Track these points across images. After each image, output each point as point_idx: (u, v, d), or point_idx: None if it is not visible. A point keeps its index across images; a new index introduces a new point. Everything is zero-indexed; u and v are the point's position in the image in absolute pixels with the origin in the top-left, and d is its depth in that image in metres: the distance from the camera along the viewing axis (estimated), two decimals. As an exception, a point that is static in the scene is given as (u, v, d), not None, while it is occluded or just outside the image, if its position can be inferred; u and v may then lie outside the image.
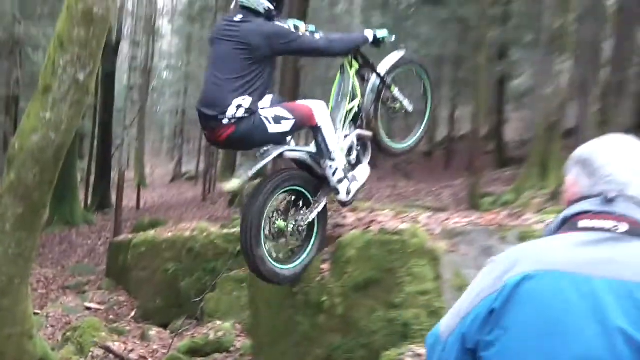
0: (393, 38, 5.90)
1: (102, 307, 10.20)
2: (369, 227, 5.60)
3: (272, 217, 5.27)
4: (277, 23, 5.26)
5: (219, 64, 5.19)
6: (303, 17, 20.92)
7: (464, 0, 25.35)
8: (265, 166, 5.67)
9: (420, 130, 6.80)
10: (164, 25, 41.46)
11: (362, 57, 5.90)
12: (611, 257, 1.70)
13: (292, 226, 5.27)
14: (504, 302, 1.69)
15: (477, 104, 17.68)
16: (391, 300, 5.08)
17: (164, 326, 8.60)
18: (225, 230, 9.61)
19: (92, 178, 26.35)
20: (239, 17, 5.15)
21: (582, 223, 1.81)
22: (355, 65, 5.88)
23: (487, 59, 19.32)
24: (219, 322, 7.37)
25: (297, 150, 5.57)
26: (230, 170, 28.52)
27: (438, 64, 31.57)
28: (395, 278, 5.16)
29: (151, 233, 10.35)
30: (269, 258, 5.15)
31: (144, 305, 9.60)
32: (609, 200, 1.80)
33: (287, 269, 5.31)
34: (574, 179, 1.95)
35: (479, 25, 18.73)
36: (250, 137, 5.18)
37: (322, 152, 5.42)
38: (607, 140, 1.95)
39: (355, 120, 5.92)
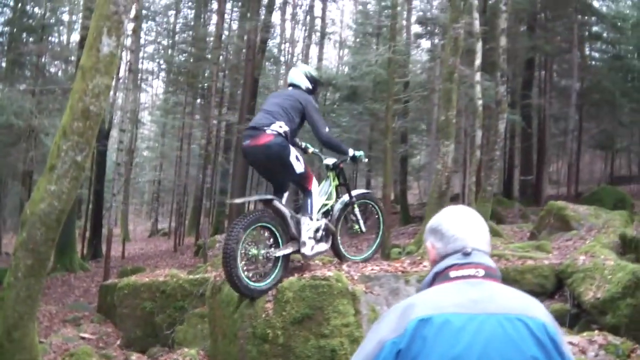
0: (366, 160, 6.67)
1: (94, 337, 10.12)
2: (303, 274, 5.77)
3: (248, 245, 5.58)
4: (312, 97, 6.28)
5: (271, 103, 6.10)
6: (254, 94, 21.49)
7: (374, 98, 26.83)
8: (247, 204, 6.49)
9: (372, 249, 7.27)
10: (145, 116, 42.47)
11: (344, 177, 6.63)
12: (481, 296, 1.81)
13: (263, 254, 5.59)
14: (409, 343, 1.74)
15: (386, 176, 18.45)
16: (321, 332, 5.32)
17: (143, 352, 8.59)
18: (191, 276, 9.75)
19: (87, 233, 26.45)
20: (290, 89, 6.32)
21: (453, 273, 1.92)
22: (336, 181, 6.62)
23: (392, 143, 20.25)
24: (186, 349, 7.43)
25: (284, 206, 5.89)
26: (195, 228, 29.55)
27: (356, 146, 32.80)
28: (324, 314, 5.40)
29: (132, 278, 10.32)
30: (244, 276, 5.43)
31: (127, 335, 9.58)
32: (467, 254, 1.95)
33: (259, 286, 5.53)
34: (430, 244, 2.08)
35: (385, 117, 19.70)
36: (276, 154, 5.78)
37: (306, 210, 5.99)
38: (447, 211, 2.12)
39: (326, 214, 6.40)
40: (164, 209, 46.10)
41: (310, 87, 6.35)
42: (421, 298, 1.88)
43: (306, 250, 5.93)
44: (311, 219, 6.03)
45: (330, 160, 6.66)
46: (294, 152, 5.92)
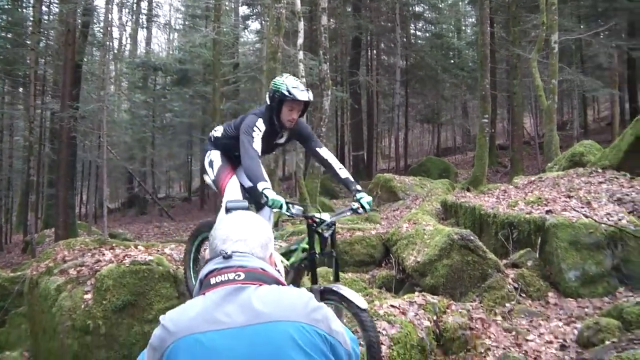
0: (287, 213, 4.42)
1: None
2: (122, 260, 5.63)
3: (199, 250, 5.36)
4: (260, 113, 5.01)
5: None
6: (77, 80, 20.34)
7: (205, 81, 26.55)
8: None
9: None
10: None
11: (325, 246, 4.53)
12: (236, 308, 1.78)
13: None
14: None
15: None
16: (145, 317, 5.22)
17: (-39, 363, 7.97)
18: (12, 274, 9.08)
19: None
20: None
21: (213, 280, 1.88)
22: (306, 245, 4.63)
23: (221, 124, 20.19)
24: (8, 353, 7.00)
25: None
26: (23, 224, 27.52)
27: (189, 130, 32.42)
28: (147, 299, 5.30)
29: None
30: (193, 278, 5.22)
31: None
32: (227, 257, 1.92)
33: None
34: (206, 252, 2.12)
35: (212, 99, 19.56)
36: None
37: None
38: (224, 219, 2.11)
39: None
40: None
41: (268, 102, 4.95)
42: (177, 319, 1.80)
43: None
44: None
45: (325, 216, 4.56)
46: (209, 156, 5.30)
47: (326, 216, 4.53)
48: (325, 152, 5.16)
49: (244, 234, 2.03)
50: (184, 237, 16.77)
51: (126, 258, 5.72)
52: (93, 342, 5.24)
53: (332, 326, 1.88)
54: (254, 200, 5.21)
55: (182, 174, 41.41)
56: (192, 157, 37.45)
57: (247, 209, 4.50)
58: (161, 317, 1.82)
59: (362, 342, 4.22)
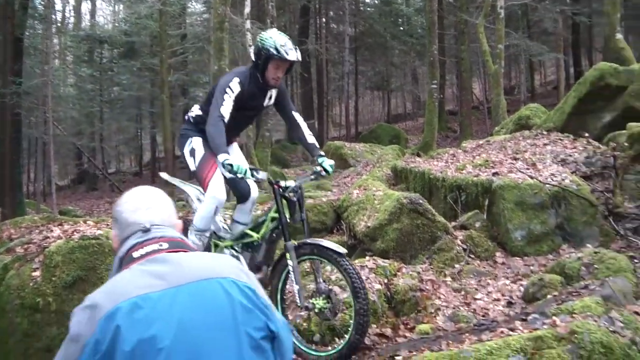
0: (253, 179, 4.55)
1: None
2: (71, 236, 5.56)
3: None
4: (241, 74, 4.80)
5: None
6: (19, 55, 19.68)
7: (152, 53, 26.04)
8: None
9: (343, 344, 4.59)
10: None
11: (294, 211, 4.50)
12: (167, 270, 1.78)
13: None
14: (103, 341, 1.65)
15: (165, 130, 18.12)
16: None
17: None
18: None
19: None
20: None
21: (136, 253, 1.89)
22: (275, 214, 4.61)
23: (171, 97, 19.88)
24: None
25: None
26: None
27: (137, 103, 31.88)
28: (97, 274, 5.25)
29: None
30: None
31: None
32: (145, 231, 1.94)
33: None
34: (114, 232, 2.06)
35: (160, 71, 19.25)
36: (178, 143, 5.13)
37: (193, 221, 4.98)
38: (124, 196, 2.10)
39: (249, 248, 4.91)
40: None
41: (253, 59, 4.74)
42: (104, 291, 1.79)
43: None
44: (197, 232, 4.86)
45: (290, 182, 4.59)
46: (190, 144, 4.92)
47: (291, 182, 4.54)
48: (298, 116, 5.11)
49: (155, 207, 2.05)
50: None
51: (75, 233, 5.66)
52: (43, 319, 5.19)
53: (263, 294, 1.92)
54: (236, 192, 5.10)
55: (132, 148, 40.75)
56: (141, 130, 36.85)
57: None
58: (86, 299, 1.79)
59: (347, 290, 4.34)
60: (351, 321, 4.25)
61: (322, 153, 4.89)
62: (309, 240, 4.37)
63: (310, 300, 4.31)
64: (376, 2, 36.78)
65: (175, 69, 24.49)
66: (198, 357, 1.70)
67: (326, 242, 4.33)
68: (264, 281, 4.62)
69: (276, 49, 4.53)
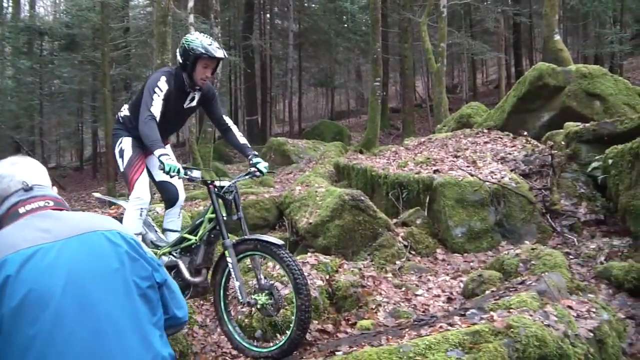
0: (185, 176, 4.32)
1: None
2: None
3: None
4: (167, 74, 4.77)
5: None
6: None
7: (94, 46, 25.48)
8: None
9: (282, 341, 4.42)
10: None
11: (230, 209, 4.50)
12: (54, 225, 1.85)
13: None
14: None
15: (106, 125, 17.83)
16: None
17: None
18: None
19: None
20: None
21: (22, 209, 1.94)
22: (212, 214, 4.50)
23: (113, 91, 19.55)
24: None
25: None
26: None
27: (79, 97, 31.18)
28: None
29: None
30: None
31: None
32: (28, 189, 1.99)
33: None
34: None
35: (102, 64, 18.89)
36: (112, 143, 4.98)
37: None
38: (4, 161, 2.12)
39: (186, 252, 4.74)
40: None
41: (181, 60, 4.69)
42: None
43: None
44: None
45: (224, 182, 4.56)
46: (120, 144, 4.85)
47: (225, 182, 4.53)
48: (227, 119, 5.09)
49: (34, 169, 2.12)
50: (75, 207, 16.25)
51: None
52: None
53: (148, 249, 2.04)
54: (164, 196, 5.06)
55: (73, 143, 39.78)
56: (83, 124, 36.03)
57: None
58: None
59: (289, 286, 4.35)
60: (293, 317, 4.22)
61: (256, 153, 4.92)
62: (246, 237, 4.35)
63: (253, 296, 4.28)
64: (321, -2, 36.85)
65: (117, 63, 24.09)
66: (88, 305, 1.76)
67: (264, 237, 4.34)
68: (204, 285, 4.60)
69: (204, 47, 4.57)
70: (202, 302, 5.69)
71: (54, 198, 2.02)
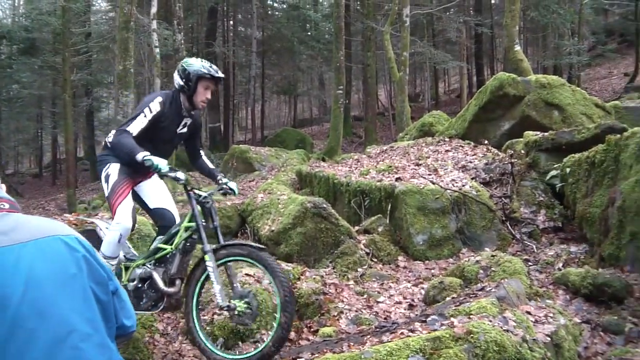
0: (172, 175, 4.26)
1: None
2: None
3: None
4: (164, 96, 4.74)
5: None
6: None
7: (54, 50, 25.15)
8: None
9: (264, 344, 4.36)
10: None
11: (208, 217, 4.51)
12: (10, 227, 1.82)
13: None
14: None
15: (67, 131, 17.60)
16: None
17: None
18: None
19: None
20: None
21: None
22: (189, 223, 4.51)
23: (73, 96, 19.31)
24: None
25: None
26: None
27: (38, 102, 30.71)
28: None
29: None
30: None
31: None
32: None
33: None
34: None
35: (63, 69, 18.65)
36: (98, 169, 4.86)
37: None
38: None
39: (160, 263, 4.71)
40: None
41: (182, 83, 4.63)
42: None
43: None
44: (104, 259, 4.49)
45: (202, 192, 4.54)
46: (107, 169, 4.69)
47: (203, 192, 4.52)
48: (202, 151, 5.12)
49: None
50: (34, 214, 16.02)
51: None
52: None
53: (101, 257, 2.10)
54: (160, 222, 4.92)
55: (32, 149, 39.14)
56: (42, 130, 35.47)
57: None
58: None
59: (273, 286, 4.24)
60: (271, 332, 4.18)
61: (223, 174, 4.97)
62: (224, 243, 4.33)
63: (232, 301, 4.25)
64: (284, 6, 36.88)
65: (78, 68, 23.80)
66: (46, 310, 1.74)
67: (244, 241, 4.33)
68: (177, 297, 4.56)
69: (206, 68, 4.60)
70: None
71: (9, 200, 1.97)
